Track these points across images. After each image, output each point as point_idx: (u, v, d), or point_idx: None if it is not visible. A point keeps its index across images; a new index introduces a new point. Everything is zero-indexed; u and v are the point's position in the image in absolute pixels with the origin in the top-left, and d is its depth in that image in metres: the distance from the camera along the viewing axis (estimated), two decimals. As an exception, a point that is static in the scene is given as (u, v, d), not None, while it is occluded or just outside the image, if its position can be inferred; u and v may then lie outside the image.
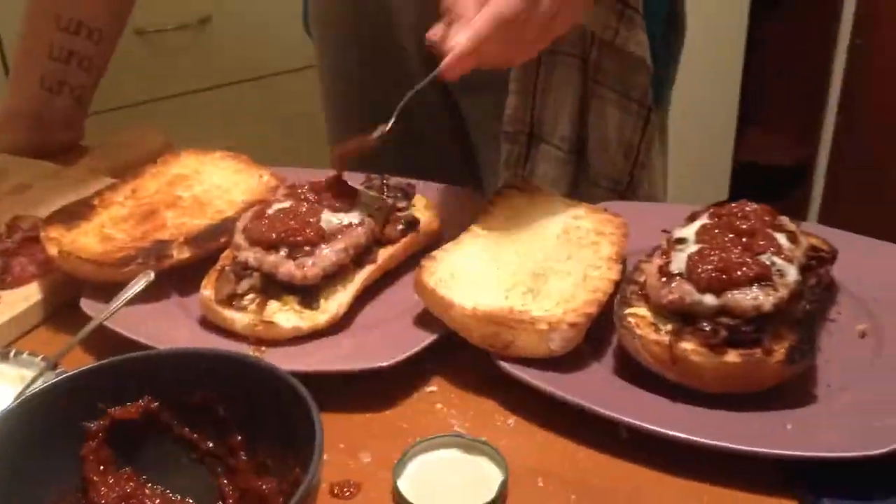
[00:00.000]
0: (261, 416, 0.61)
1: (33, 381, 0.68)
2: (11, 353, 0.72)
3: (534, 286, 0.78)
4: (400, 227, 0.89)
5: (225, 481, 0.63)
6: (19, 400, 0.60)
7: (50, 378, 0.68)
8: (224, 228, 0.89)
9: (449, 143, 1.28)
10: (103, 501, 0.61)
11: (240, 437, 0.63)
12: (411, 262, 0.89)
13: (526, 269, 0.81)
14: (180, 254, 0.85)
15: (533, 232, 0.86)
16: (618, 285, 0.79)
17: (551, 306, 0.76)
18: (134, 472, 0.63)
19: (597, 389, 0.72)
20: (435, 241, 0.92)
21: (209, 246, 0.87)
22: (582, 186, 1.14)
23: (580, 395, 0.70)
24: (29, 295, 0.86)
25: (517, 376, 0.73)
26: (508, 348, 0.74)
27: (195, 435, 0.64)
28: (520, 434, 0.71)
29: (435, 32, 0.80)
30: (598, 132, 1.10)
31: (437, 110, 1.24)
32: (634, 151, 1.10)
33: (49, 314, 0.86)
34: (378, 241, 0.87)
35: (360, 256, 0.85)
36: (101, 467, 0.62)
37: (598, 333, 0.77)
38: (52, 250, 0.84)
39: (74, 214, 0.90)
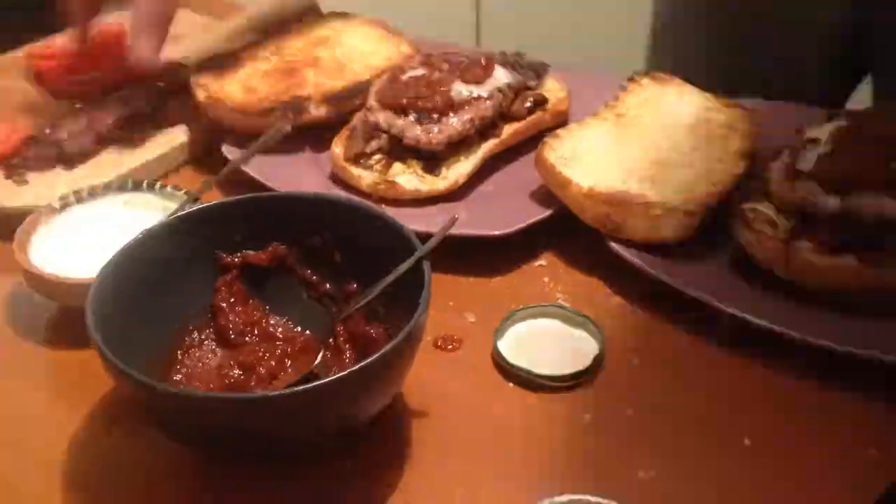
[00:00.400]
0: (376, 264, 0.65)
1: (177, 211, 0.74)
2: (157, 186, 0.78)
3: (655, 173, 0.78)
4: (528, 104, 0.90)
5: (338, 324, 0.68)
6: (163, 221, 0.66)
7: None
8: (359, 90, 0.91)
9: None
10: (230, 325, 0.66)
11: (355, 285, 0.67)
12: (536, 140, 0.90)
13: (649, 156, 0.81)
14: (317, 111, 0.89)
15: (662, 121, 0.85)
16: (741, 180, 0.78)
17: (669, 193, 0.75)
18: (260, 302, 0.68)
19: (704, 280, 0.72)
20: (562, 122, 0.92)
21: (344, 106, 0.91)
22: None
23: (685, 282, 0.71)
24: (177, 136, 0.92)
25: (626, 258, 0.74)
26: (620, 230, 0.75)
27: (315, 277, 0.69)
28: (621, 314, 0.73)
29: None
30: None
31: None
32: None
33: (194, 155, 0.92)
34: (504, 116, 0.89)
35: (486, 129, 0.87)
36: (232, 298, 0.67)
37: (715, 227, 0.76)
38: (201, 95, 0.89)
39: (223, 65, 0.95)
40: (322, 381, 0.53)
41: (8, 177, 0.84)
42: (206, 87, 0.90)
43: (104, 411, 0.65)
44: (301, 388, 0.54)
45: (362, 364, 0.53)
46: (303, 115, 0.89)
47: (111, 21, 0.97)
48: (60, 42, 1.02)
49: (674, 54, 1.18)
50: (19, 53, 1.07)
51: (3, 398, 0.67)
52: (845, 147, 0.71)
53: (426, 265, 0.61)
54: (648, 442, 0.62)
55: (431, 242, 0.62)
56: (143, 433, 0.61)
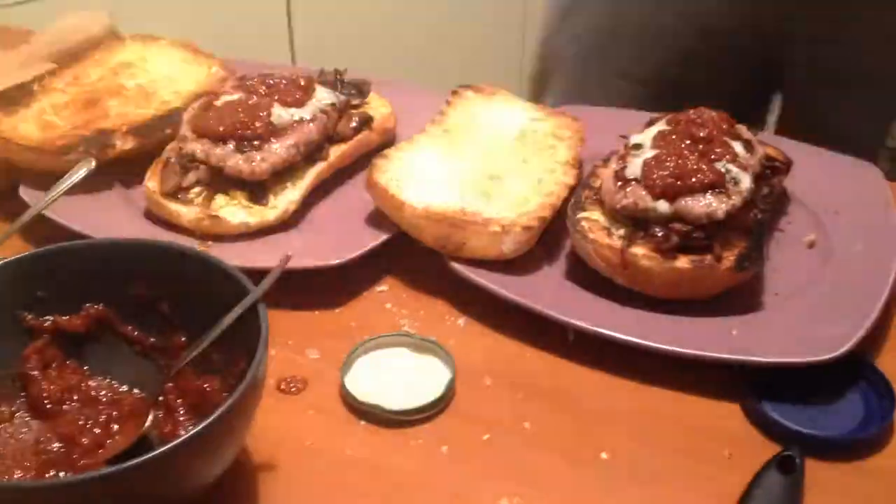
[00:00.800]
0: (206, 310, 0.60)
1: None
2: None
3: (488, 189, 0.77)
4: (353, 124, 0.87)
5: (168, 380, 0.62)
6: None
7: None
8: (170, 120, 0.85)
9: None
10: (45, 393, 0.59)
11: (183, 337, 0.61)
12: (364, 161, 0.87)
13: (481, 171, 0.79)
14: (124, 144, 0.82)
15: (489, 134, 0.85)
16: (573, 190, 0.78)
17: (505, 209, 0.75)
18: (77, 364, 0.62)
19: (547, 293, 0.72)
20: (389, 140, 0.90)
21: (153, 136, 0.84)
22: None
23: (530, 297, 0.70)
24: (-35, 181, 0.82)
25: (468, 277, 0.72)
26: (460, 250, 0.73)
27: (137, 332, 0.63)
28: (469, 335, 0.71)
29: None
30: None
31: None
32: None
33: (-13, 202, 0.83)
34: (330, 138, 0.85)
35: (311, 153, 0.83)
36: (44, 365, 0.60)
37: (551, 237, 0.77)
38: None
39: (13, 100, 0.86)
40: (157, 452, 0.48)
41: None
42: None
43: None
44: (131, 462, 0.48)
45: (201, 426, 0.49)
46: (108, 149, 0.82)
47: None
48: None
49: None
50: None
51: None
52: (669, 151, 0.73)
53: (262, 309, 0.56)
54: (509, 465, 0.60)
55: (264, 284, 0.58)
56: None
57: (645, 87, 1.10)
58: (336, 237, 0.77)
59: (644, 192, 0.71)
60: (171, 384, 0.60)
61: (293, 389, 0.65)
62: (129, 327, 0.62)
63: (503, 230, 0.72)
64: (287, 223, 0.79)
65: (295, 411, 0.64)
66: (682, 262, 0.69)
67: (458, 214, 0.73)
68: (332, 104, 0.86)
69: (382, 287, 0.76)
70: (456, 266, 0.73)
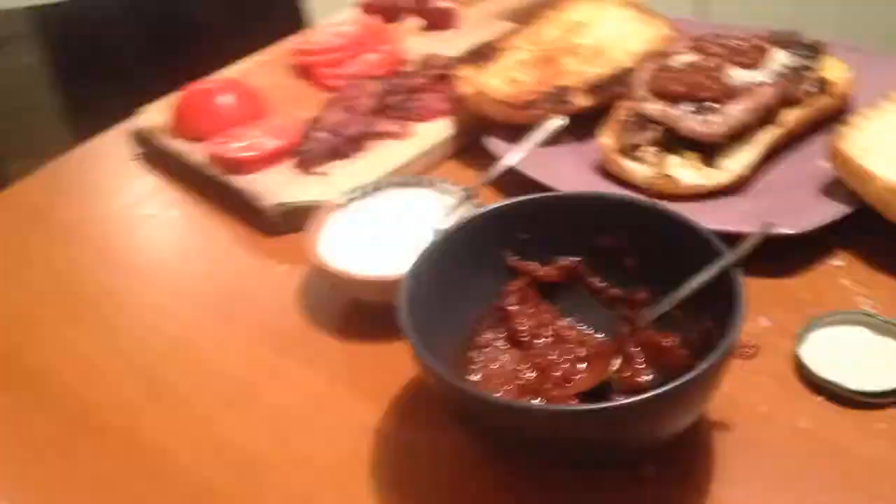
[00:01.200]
0: (670, 267, 0.63)
1: (457, 206, 0.75)
2: (435, 182, 0.79)
3: (971, 166, 0.71)
4: (810, 88, 0.84)
5: (626, 332, 0.65)
6: (454, 224, 0.66)
7: (468, 207, 0.75)
8: (622, 78, 0.89)
9: None
10: (523, 327, 0.66)
11: (645, 293, 0.65)
12: (817, 127, 0.84)
13: (961, 146, 0.73)
14: (581, 100, 0.88)
15: (971, 105, 0.78)
16: None
17: None
18: (550, 305, 0.68)
19: None
20: (847, 107, 0.86)
21: (607, 95, 0.88)
22: None
23: None
24: (440, 130, 0.93)
25: (941, 261, 0.68)
26: (934, 230, 0.69)
27: (605, 284, 0.67)
28: (937, 322, 0.67)
29: None
30: None
31: None
32: None
33: (457, 149, 0.93)
34: (786, 102, 0.83)
35: (767, 117, 0.82)
36: (523, 303, 0.67)
37: None
38: (466, 89, 0.90)
39: (483, 56, 0.95)
40: (629, 401, 0.52)
41: (296, 168, 0.88)
42: (470, 80, 0.91)
43: (403, 406, 0.66)
44: (608, 404, 0.54)
45: (673, 384, 0.51)
46: (566, 105, 0.87)
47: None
48: (321, 37, 1.06)
49: None
50: (279, 50, 1.11)
51: (299, 388, 0.70)
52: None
53: (736, 273, 0.58)
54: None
55: (742, 248, 0.59)
56: (445, 428, 0.62)
57: None
58: (790, 205, 0.76)
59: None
60: (631, 336, 0.64)
61: (746, 354, 0.66)
62: (597, 280, 0.67)
63: None
64: (738, 188, 0.79)
65: (747, 377, 0.64)
66: None
67: (937, 193, 0.68)
68: (789, 66, 0.84)
69: (838, 262, 0.73)
70: (926, 247, 0.69)
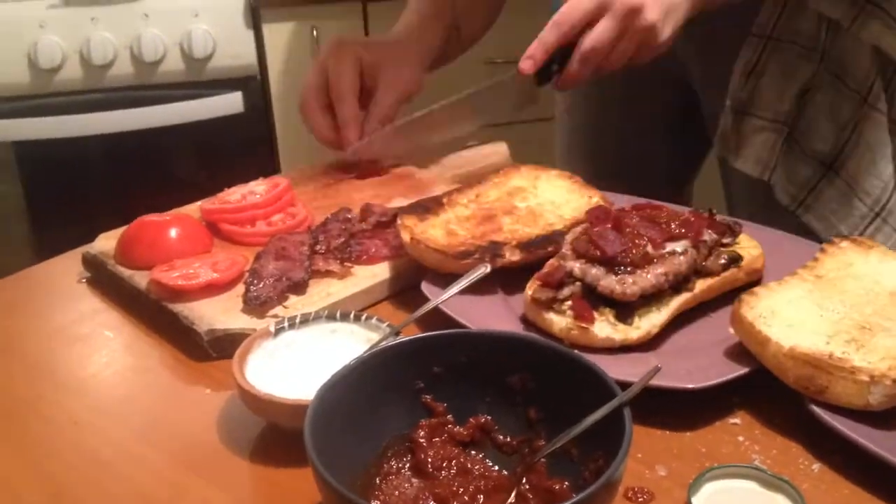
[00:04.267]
0: (569, 409, 0.66)
1: (380, 341, 0.78)
2: (363, 317, 0.83)
3: (858, 337, 0.76)
4: (722, 261, 0.90)
5: (522, 477, 0.68)
6: (369, 352, 0.70)
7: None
8: (553, 239, 0.95)
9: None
10: (429, 459, 0.68)
11: (542, 442, 0.68)
12: (728, 297, 0.90)
13: (851, 320, 0.79)
14: (512, 256, 0.93)
15: (864, 285, 0.84)
16: (955, 352, 0.75)
17: (875, 360, 0.73)
18: (457, 443, 0.70)
19: (916, 453, 0.68)
20: (755, 280, 0.92)
21: (537, 253, 0.94)
22: (787, 159, 1.17)
23: (893, 453, 0.67)
24: (379, 273, 0.98)
25: (830, 424, 0.71)
26: (823, 394, 0.73)
27: (508, 440, 0.70)
28: (824, 482, 0.70)
29: None
30: (811, 110, 1.15)
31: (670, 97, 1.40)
32: (846, 133, 1.13)
33: (393, 292, 0.98)
34: (698, 271, 0.89)
35: (679, 283, 0.87)
36: (431, 436, 0.70)
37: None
38: (406, 237, 0.96)
39: (426, 209, 1.01)
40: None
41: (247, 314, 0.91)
42: (411, 229, 0.97)
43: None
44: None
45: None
46: (498, 259, 0.93)
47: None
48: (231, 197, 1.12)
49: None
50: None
51: (208, 508, 0.71)
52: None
53: (627, 412, 0.61)
54: None
55: (634, 388, 0.63)
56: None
57: None
58: (694, 364, 0.80)
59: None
60: (525, 477, 0.67)
61: (640, 500, 0.68)
62: (501, 438, 0.70)
63: (872, 380, 0.71)
64: (648, 345, 0.84)
65: (641, 521, 0.67)
66: None
67: (824, 357, 0.73)
68: (703, 241, 0.90)
69: (735, 420, 0.77)
70: (817, 410, 0.73)
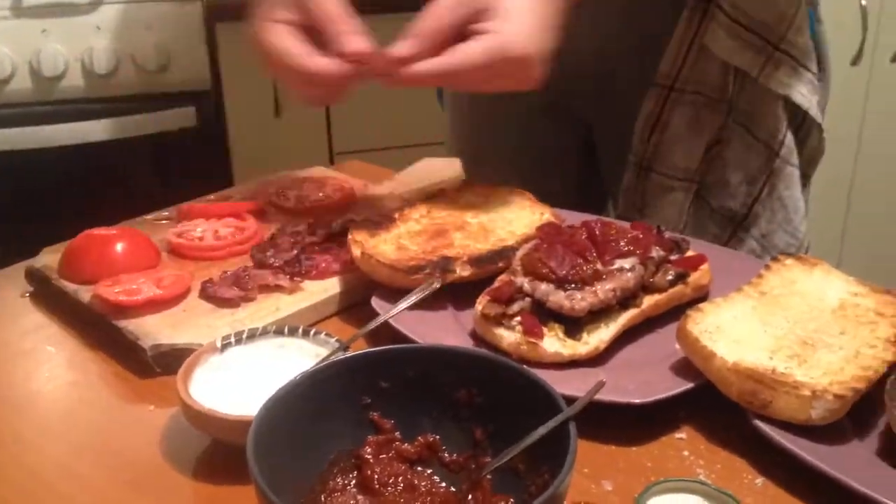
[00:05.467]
0: (515, 425, 0.66)
1: (328, 356, 0.78)
2: (311, 333, 0.83)
3: (801, 353, 0.77)
4: (669, 277, 0.91)
5: (469, 494, 0.67)
6: (319, 366, 0.69)
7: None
8: (504, 255, 0.95)
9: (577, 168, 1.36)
10: (375, 475, 0.68)
11: (488, 459, 0.68)
12: (675, 313, 0.91)
13: (794, 335, 0.80)
14: (462, 271, 0.93)
15: (807, 302, 0.85)
16: (892, 367, 0.76)
17: (817, 375, 0.74)
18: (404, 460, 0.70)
19: (856, 466, 0.69)
20: (702, 297, 0.93)
21: (488, 268, 0.94)
22: (697, 216, 1.14)
23: (838, 469, 0.68)
24: (329, 287, 0.97)
25: (773, 438, 0.72)
26: (766, 408, 0.74)
27: (454, 457, 0.70)
28: (767, 496, 0.71)
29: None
30: (720, 164, 1.11)
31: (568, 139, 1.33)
32: (757, 188, 1.09)
33: (343, 307, 0.97)
34: (645, 287, 0.90)
35: (627, 299, 0.88)
36: (378, 453, 0.69)
37: (862, 411, 0.74)
38: (356, 251, 0.95)
39: (378, 225, 1.01)
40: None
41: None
42: (361, 244, 0.96)
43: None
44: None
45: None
46: (448, 274, 0.93)
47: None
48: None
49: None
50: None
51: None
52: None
53: (572, 427, 0.61)
54: None
55: (579, 403, 0.63)
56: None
57: None
58: (641, 379, 0.80)
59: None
60: (471, 494, 0.66)
61: (587, 514, 0.69)
62: (448, 456, 0.70)
63: (814, 395, 0.72)
64: (596, 360, 0.84)
65: (586, 535, 0.67)
66: None
67: (767, 372, 0.74)
68: (651, 257, 0.91)
69: (681, 434, 0.78)
70: (760, 424, 0.73)
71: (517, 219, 1.05)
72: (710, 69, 1.09)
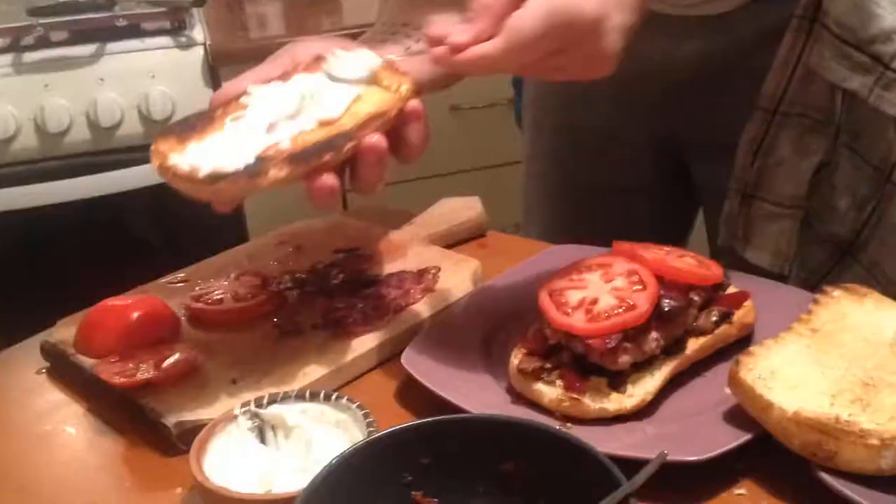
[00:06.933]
0: (571, 494, 0.62)
1: (368, 434, 0.72)
2: (333, 397, 0.78)
3: (863, 396, 0.73)
4: (714, 318, 0.87)
5: None
6: (351, 447, 0.65)
7: (364, 425, 0.74)
8: (332, 145, 0.78)
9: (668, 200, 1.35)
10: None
11: None
12: (721, 354, 0.86)
13: (854, 376, 0.75)
14: (279, 172, 0.77)
15: (862, 337, 0.81)
16: (964, 406, 0.71)
17: (884, 420, 0.70)
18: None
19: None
20: (747, 335, 0.89)
21: (313, 163, 0.78)
22: (801, 244, 1.09)
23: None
24: (358, 347, 0.92)
25: (841, 492, 0.67)
26: (831, 460, 0.69)
27: None
28: (838, 554, 0.66)
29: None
30: (828, 189, 1.05)
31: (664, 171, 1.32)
32: (867, 213, 1.01)
33: (369, 368, 0.92)
34: (689, 331, 0.86)
35: (671, 346, 0.84)
36: None
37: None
38: (155, 162, 0.79)
39: (192, 127, 0.84)
40: None
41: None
42: (162, 153, 0.79)
43: None
44: None
45: None
46: (262, 178, 0.77)
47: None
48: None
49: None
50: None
51: None
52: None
53: (634, 503, 0.57)
54: None
55: (640, 477, 0.59)
56: None
57: None
58: (693, 431, 0.76)
59: None
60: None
61: (648, 586, 0.64)
62: None
63: (882, 444, 0.67)
64: (643, 412, 0.80)
65: None
66: None
67: (831, 422, 0.69)
68: (693, 299, 0.87)
69: (740, 490, 0.73)
70: (826, 477, 0.69)
71: (365, 95, 0.83)
72: (816, 90, 1.03)
